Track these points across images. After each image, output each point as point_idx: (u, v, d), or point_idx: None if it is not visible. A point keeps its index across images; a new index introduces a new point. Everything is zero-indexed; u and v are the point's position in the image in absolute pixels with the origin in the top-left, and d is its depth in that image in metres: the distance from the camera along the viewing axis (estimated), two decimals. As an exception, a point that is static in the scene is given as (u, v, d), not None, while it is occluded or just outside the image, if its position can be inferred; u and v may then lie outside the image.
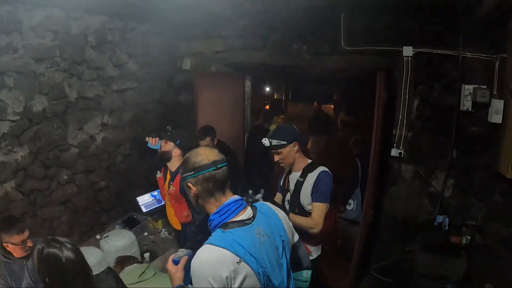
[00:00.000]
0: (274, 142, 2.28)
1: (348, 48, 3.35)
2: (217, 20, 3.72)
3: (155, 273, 2.39)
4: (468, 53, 3.12)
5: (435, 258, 3.17)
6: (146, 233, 3.51)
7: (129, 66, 3.70)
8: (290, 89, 11.64)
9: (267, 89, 11.31)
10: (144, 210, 3.56)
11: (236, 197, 1.50)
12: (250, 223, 1.43)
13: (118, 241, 2.98)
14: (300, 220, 2.28)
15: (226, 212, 1.43)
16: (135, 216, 3.61)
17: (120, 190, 3.76)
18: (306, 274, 2.34)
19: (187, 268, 1.48)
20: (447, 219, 3.31)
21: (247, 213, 1.47)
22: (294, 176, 2.41)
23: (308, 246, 2.42)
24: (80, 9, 3.12)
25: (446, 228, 3.32)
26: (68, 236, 3.33)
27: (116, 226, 3.44)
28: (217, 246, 1.33)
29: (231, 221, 1.42)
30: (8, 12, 2.64)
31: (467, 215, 3.34)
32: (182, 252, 1.55)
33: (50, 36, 2.99)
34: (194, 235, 2.69)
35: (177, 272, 1.51)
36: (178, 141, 2.77)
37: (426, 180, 3.36)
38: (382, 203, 3.54)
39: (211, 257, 1.32)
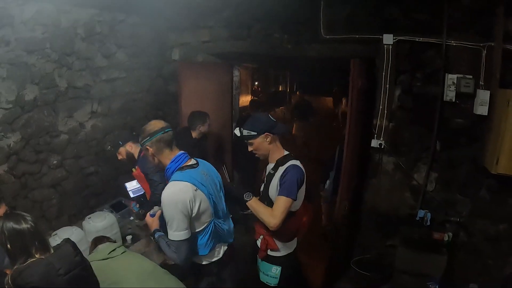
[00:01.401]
0: (245, 132, 2.23)
1: (327, 37, 3.31)
2: (203, 11, 3.77)
3: (124, 251, 2.50)
4: (453, 41, 3.00)
5: (415, 254, 3.10)
6: (131, 218, 3.63)
7: (118, 57, 3.82)
8: (295, 82, 11.54)
9: (269, 80, 11.33)
10: (131, 195, 3.68)
11: (182, 151, 2.04)
12: (197, 167, 2.01)
13: (99, 222, 3.10)
14: (259, 208, 2.18)
15: (179, 160, 1.98)
16: (123, 201, 3.75)
17: (109, 176, 3.92)
18: (275, 270, 2.38)
19: (161, 219, 1.99)
20: (429, 214, 3.24)
21: (193, 161, 2.03)
22: (269, 167, 2.35)
23: (277, 242, 2.32)
24: (69, 3, 3.24)
25: (428, 223, 3.24)
26: (58, 218, 3.53)
27: (104, 209, 3.59)
28: (179, 180, 1.88)
29: (184, 166, 1.97)
30: (0, 8, 2.80)
31: (451, 211, 3.25)
32: (157, 208, 2.10)
33: (41, 29, 3.13)
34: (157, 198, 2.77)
35: (153, 222, 2.09)
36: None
37: (408, 173, 3.27)
38: (362, 195, 3.48)
39: (176, 188, 1.87)
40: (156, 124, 2.01)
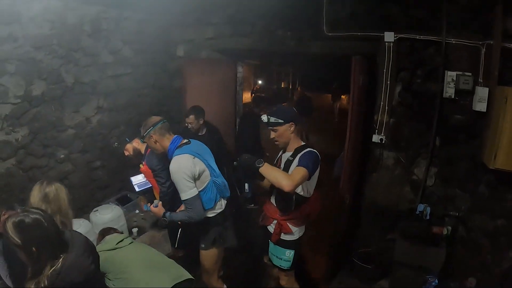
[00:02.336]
0: (272, 119, 2.37)
1: (330, 34, 3.37)
2: (207, 8, 3.84)
3: (131, 242, 2.57)
4: (453, 39, 3.05)
5: (414, 247, 3.15)
6: (137, 211, 3.72)
7: (124, 53, 3.89)
8: (296, 78, 11.64)
9: (272, 77, 11.47)
10: (136, 189, 3.74)
11: (177, 135, 2.56)
12: (190, 143, 2.52)
13: (106, 214, 3.19)
14: (274, 171, 2.25)
15: (176, 141, 2.50)
16: (128, 195, 3.83)
17: (115, 170, 3.99)
18: (289, 253, 2.56)
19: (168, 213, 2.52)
20: (428, 208, 3.28)
21: (186, 140, 2.54)
22: (286, 156, 2.48)
23: (291, 226, 2.50)
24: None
25: (427, 217, 3.28)
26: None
27: (110, 203, 3.66)
28: (180, 154, 2.40)
29: (180, 144, 2.48)
30: (8, 5, 2.85)
31: (450, 206, 3.30)
32: (156, 201, 2.65)
33: (48, 26, 3.19)
34: (164, 201, 2.85)
35: (159, 209, 2.57)
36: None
37: (408, 167, 3.34)
38: (363, 189, 3.55)
39: (180, 160, 2.38)
40: (155, 118, 2.58)
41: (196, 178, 2.43)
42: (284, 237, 2.53)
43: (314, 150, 2.38)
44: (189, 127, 3.70)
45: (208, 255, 2.68)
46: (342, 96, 11.35)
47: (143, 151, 3.13)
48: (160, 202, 2.60)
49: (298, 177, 2.18)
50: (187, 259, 2.93)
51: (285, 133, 2.39)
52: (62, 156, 3.51)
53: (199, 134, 3.77)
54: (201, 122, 3.70)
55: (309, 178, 2.28)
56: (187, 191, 2.39)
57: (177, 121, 4.40)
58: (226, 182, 2.69)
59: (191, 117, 3.63)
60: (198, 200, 2.43)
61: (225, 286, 2.87)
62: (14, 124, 3.10)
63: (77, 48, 3.46)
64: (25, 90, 3.11)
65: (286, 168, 2.39)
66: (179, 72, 4.25)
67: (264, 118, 2.41)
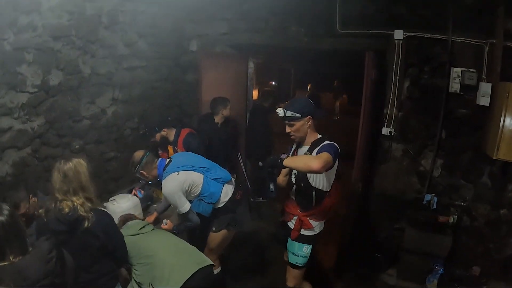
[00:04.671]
0: (289, 113, 2.24)
1: (342, 31, 3.53)
2: (222, 3, 3.94)
3: (153, 229, 2.64)
4: (458, 38, 3.25)
5: (422, 234, 3.29)
6: (149, 202, 3.74)
7: (139, 46, 3.93)
8: (299, 77, 11.92)
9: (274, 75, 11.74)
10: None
11: (160, 159, 2.77)
12: (172, 161, 2.68)
13: (124, 203, 3.21)
14: (299, 157, 2.28)
15: (161, 165, 2.68)
16: (140, 187, 3.84)
17: (128, 161, 3.99)
18: (306, 249, 2.50)
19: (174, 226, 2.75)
20: (435, 198, 3.45)
21: (168, 160, 2.71)
22: (302, 150, 2.37)
23: (312, 221, 2.44)
24: (95, -9, 3.37)
25: (434, 207, 3.45)
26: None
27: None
28: (166, 177, 2.57)
29: (164, 167, 2.65)
30: None
31: (455, 196, 3.46)
32: (165, 220, 2.82)
33: (67, 16, 3.19)
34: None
35: (168, 226, 2.74)
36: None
37: (416, 159, 3.50)
38: (373, 180, 3.69)
39: (168, 183, 2.55)
40: (138, 153, 2.75)
41: (187, 189, 2.59)
42: (304, 232, 2.48)
43: (334, 143, 2.27)
44: (225, 115, 3.81)
45: (216, 236, 2.79)
46: (343, 95, 11.72)
47: (172, 138, 3.42)
48: (168, 220, 2.80)
49: (325, 156, 2.09)
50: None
51: (303, 127, 2.29)
52: (77, 146, 3.50)
53: (220, 123, 3.86)
54: (224, 114, 3.82)
55: (332, 165, 2.18)
56: (183, 206, 2.57)
57: (189, 114, 4.45)
58: (224, 170, 2.81)
59: (229, 107, 3.78)
60: (192, 212, 2.61)
61: (219, 268, 2.97)
62: (30, 113, 3.07)
63: (94, 39, 3.48)
64: (42, 79, 3.10)
65: None
66: (192, 66, 4.32)
67: (280, 112, 2.28)
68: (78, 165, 2.07)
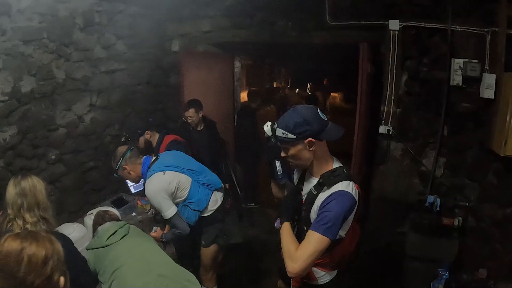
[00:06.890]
0: (279, 132, 1.56)
1: (333, 23, 3.34)
2: (203, 0, 3.73)
3: (125, 234, 2.18)
4: (458, 27, 3.04)
5: (426, 239, 3.12)
6: (134, 213, 3.54)
7: (117, 48, 3.73)
8: (290, 77, 11.74)
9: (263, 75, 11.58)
10: (133, 191, 3.59)
11: (145, 156, 2.60)
12: (158, 159, 2.51)
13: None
14: (283, 239, 1.61)
15: (146, 162, 2.52)
16: (124, 197, 3.65)
17: (110, 171, 3.78)
18: None
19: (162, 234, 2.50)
20: (438, 200, 3.27)
21: (154, 158, 2.54)
22: (309, 183, 1.69)
23: (318, 271, 1.79)
24: (68, -9, 3.17)
25: (438, 209, 3.27)
26: (58, 215, 3.36)
27: (105, 206, 3.48)
28: (151, 176, 2.38)
29: (150, 164, 2.48)
30: None
31: (459, 196, 3.28)
32: (155, 227, 2.58)
33: (38, 19, 3.02)
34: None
35: (158, 233, 2.50)
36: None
37: (416, 158, 3.30)
38: (371, 182, 3.49)
39: (152, 183, 2.36)
40: (122, 148, 2.60)
41: (173, 192, 2.39)
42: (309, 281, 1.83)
43: (348, 190, 1.52)
44: (189, 121, 3.60)
45: (208, 252, 2.63)
46: (334, 94, 11.50)
47: (154, 143, 3.24)
48: (159, 228, 2.57)
49: (307, 253, 1.47)
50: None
51: (302, 153, 1.57)
52: (53, 157, 3.31)
53: (198, 129, 3.69)
54: (201, 115, 3.61)
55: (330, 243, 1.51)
56: (168, 210, 2.35)
57: (173, 119, 4.25)
58: (215, 176, 2.64)
59: (191, 110, 3.53)
60: (179, 218, 2.39)
61: (216, 286, 2.79)
62: (1, 123, 2.89)
63: (68, 42, 3.29)
64: (14, 86, 2.91)
65: (309, 204, 1.63)
66: (175, 68, 4.13)
67: (267, 129, 1.65)
68: (37, 181, 1.97)
